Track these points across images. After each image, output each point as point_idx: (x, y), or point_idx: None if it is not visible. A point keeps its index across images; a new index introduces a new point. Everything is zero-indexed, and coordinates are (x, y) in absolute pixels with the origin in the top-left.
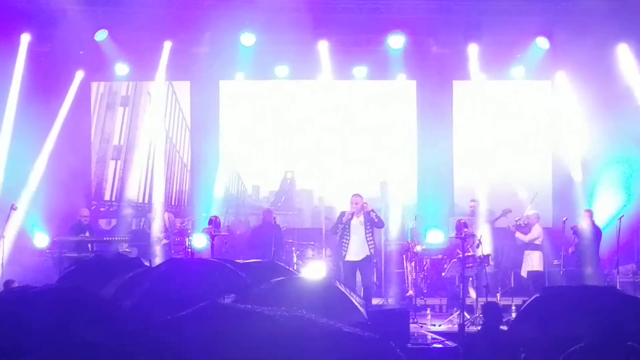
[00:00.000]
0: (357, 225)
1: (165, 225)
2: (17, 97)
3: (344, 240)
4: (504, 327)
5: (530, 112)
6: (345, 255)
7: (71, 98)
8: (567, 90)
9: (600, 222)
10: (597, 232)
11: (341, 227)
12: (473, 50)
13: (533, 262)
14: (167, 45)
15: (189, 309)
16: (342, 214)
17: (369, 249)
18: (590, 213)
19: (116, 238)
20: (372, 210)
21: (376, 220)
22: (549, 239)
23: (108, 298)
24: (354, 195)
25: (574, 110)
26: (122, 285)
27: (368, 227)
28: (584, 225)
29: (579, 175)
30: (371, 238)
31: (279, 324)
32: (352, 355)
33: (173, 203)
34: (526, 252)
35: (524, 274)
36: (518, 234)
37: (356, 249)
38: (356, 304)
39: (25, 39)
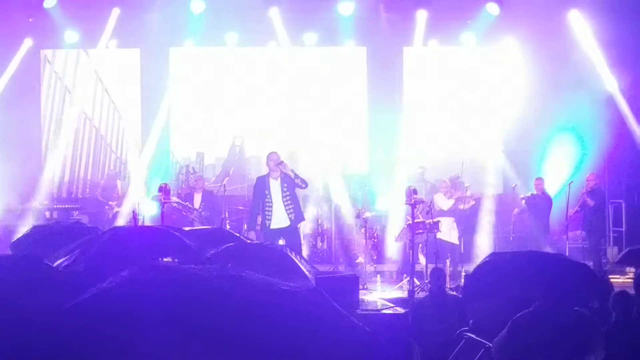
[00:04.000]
0: (276, 189)
1: (117, 193)
2: None
3: (267, 208)
4: (453, 293)
5: (481, 79)
6: (269, 224)
7: (17, 65)
8: (516, 56)
9: (550, 189)
10: (548, 200)
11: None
12: (423, 16)
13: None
14: (115, 12)
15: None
16: (259, 180)
17: (288, 216)
18: (541, 181)
19: (67, 206)
20: (292, 171)
21: (296, 180)
22: (499, 206)
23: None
24: (269, 153)
25: (524, 76)
26: (66, 253)
27: (285, 190)
28: (535, 192)
29: (528, 142)
30: (290, 203)
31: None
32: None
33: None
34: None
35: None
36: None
37: (277, 217)
38: (304, 270)
39: None
